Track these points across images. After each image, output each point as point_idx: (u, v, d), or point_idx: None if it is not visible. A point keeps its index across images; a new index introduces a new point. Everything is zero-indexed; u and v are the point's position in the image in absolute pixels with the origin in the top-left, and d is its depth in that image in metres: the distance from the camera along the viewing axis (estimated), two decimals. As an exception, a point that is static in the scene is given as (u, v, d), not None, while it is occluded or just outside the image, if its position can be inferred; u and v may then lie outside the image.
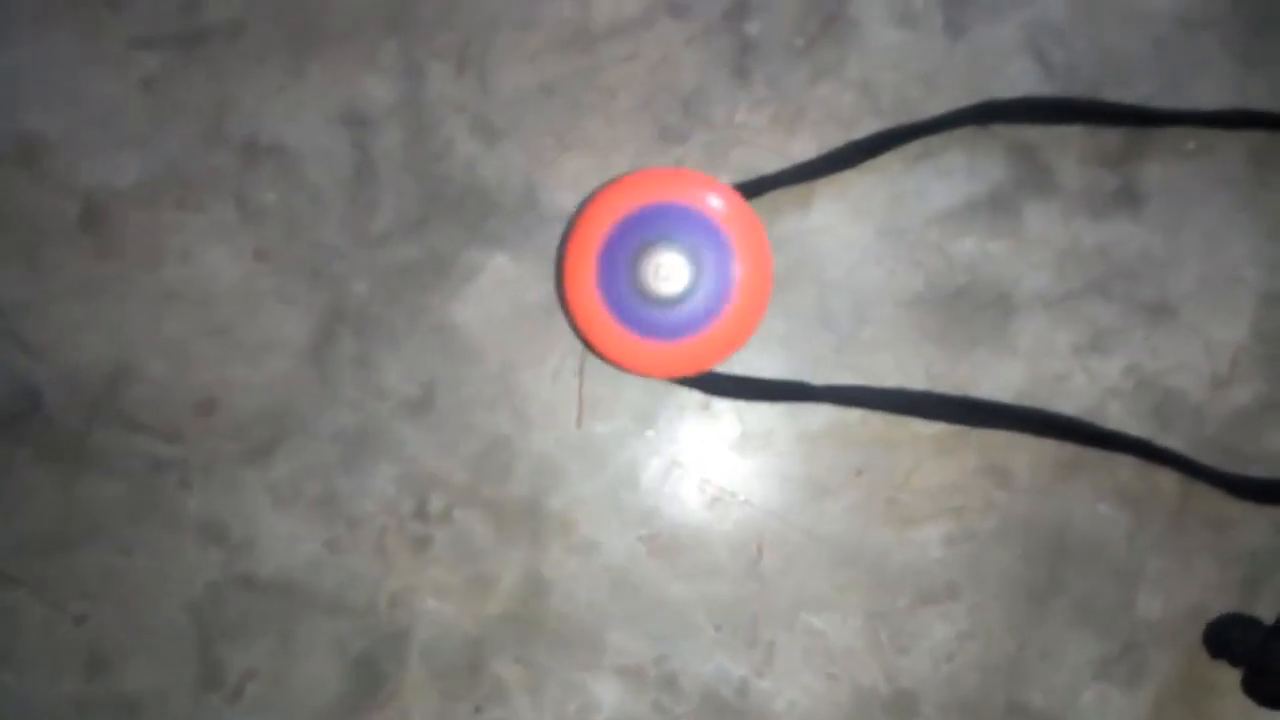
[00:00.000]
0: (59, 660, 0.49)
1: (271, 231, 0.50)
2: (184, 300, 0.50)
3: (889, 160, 0.50)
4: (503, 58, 0.51)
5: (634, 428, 0.50)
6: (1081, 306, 0.50)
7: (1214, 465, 0.49)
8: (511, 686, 0.49)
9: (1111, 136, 0.50)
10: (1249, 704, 0.47)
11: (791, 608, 0.49)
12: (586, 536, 0.49)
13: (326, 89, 0.51)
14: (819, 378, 0.49)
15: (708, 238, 0.43)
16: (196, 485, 0.49)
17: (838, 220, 0.50)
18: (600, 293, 0.43)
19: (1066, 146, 0.50)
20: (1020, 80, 0.50)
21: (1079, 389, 0.50)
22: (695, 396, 0.50)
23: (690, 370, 0.46)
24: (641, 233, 0.43)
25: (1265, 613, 0.48)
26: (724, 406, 0.50)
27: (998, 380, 0.50)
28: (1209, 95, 0.50)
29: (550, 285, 0.50)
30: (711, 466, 0.50)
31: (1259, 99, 0.50)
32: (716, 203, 0.44)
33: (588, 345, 0.46)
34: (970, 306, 0.50)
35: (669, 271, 0.42)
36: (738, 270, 0.43)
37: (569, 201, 0.50)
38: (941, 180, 0.50)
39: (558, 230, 0.50)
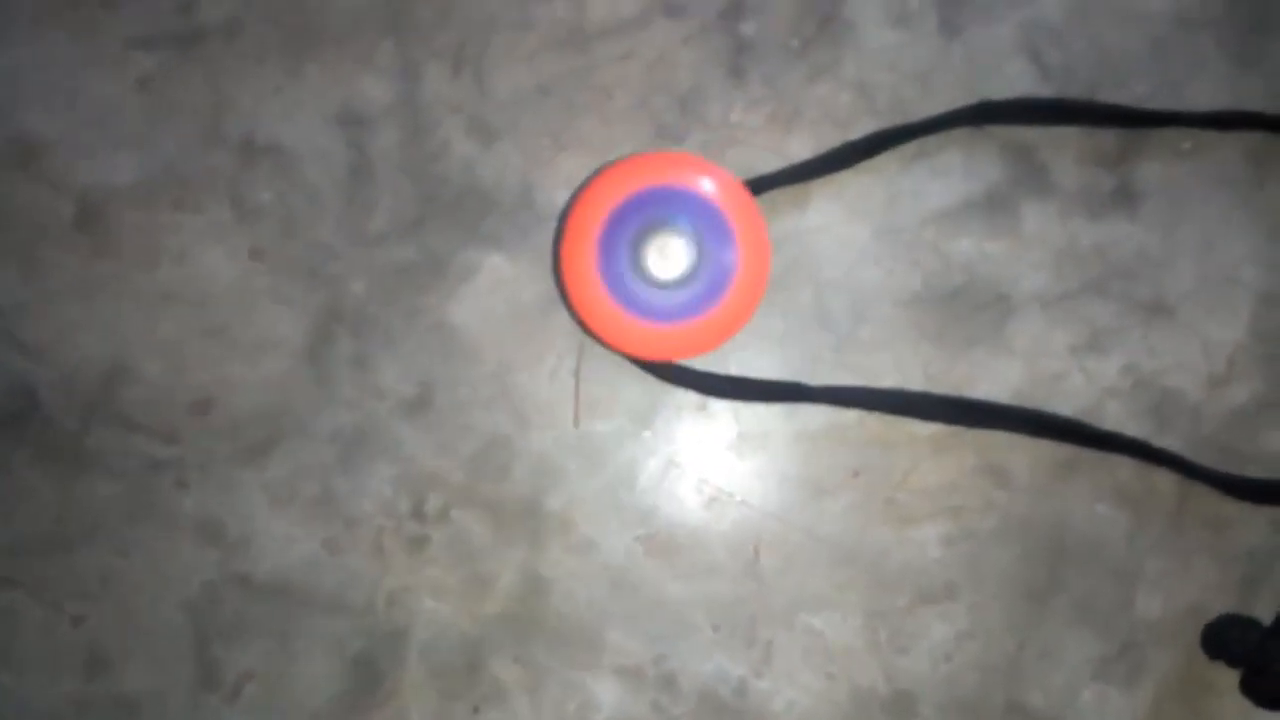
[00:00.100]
0: (57, 661, 0.49)
1: (268, 231, 0.50)
2: (180, 300, 0.50)
3: (885, 160, 0.50)
4: (499, 58, 0.51)
5: (631, 428, 0.50)
6: (1079, 306, 0.50)
7: (1211, 465, 0.49)
8: (510, 686, 0.49)
9: (1108, 136, 0.50)
10: (1247, 704, 0.47)
11: (790, 608, 0.49)
12: (584, 536, 0.49)
13: (323, 89, 0.51)
14: (817, 377, 0.49)
15: (709, 221, 0.43)
16: (193, 485, 0.49)
17: (835, 220, 0.50)
18: (600, 275, 0.43)
19: (1063, 146, 0.50)
20: (1016, 81, 0.51)
21: (1076, 389, 0.50)
22: (692, 397, 0.50)
23: (690, 353, 0.46)
24: (642, 215, 0.43)
25: (1263, 613, 0.48)
26: (721, 407, 0.50)
27: (995, 380, 0.50)
28: (1205, 95, 0.50)
29: (547, 285, 0.50)
30: (709, 467, 0.50)
31: (1255, 99, 0.50)
32: (717, 186, 0.44)
33: (586, 329, 0.46)
34: (968, 306, 0.50)
35: (671, 254, 0.42)
36: (739, 253, 0.43)
37: (565, 201, 0.50)
38: (938, 180, 0.50)
39: (554, 230, 0.50)
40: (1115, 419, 0.49)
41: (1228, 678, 0.47)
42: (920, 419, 0.49)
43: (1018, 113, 0.50)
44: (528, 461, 0.49)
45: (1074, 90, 0.51)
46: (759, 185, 0.49)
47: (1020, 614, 0.49)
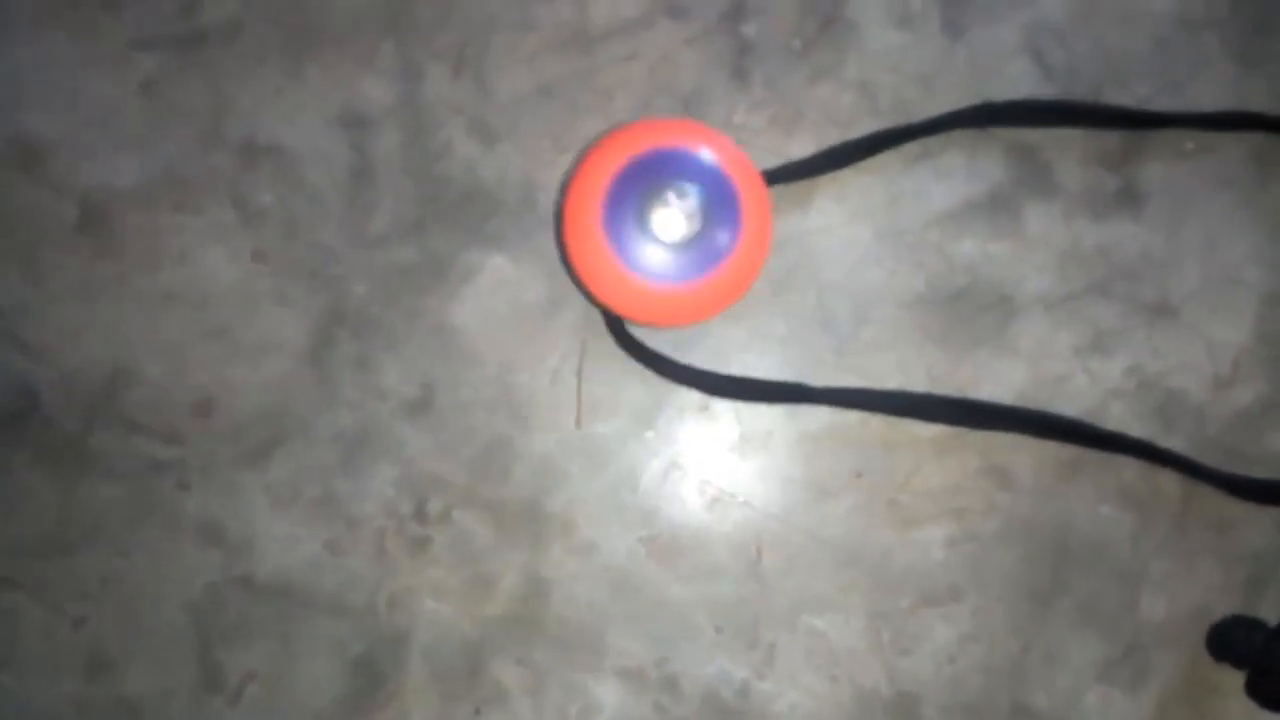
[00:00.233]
0: (59, 662, 0.49)
1: (270, 233, 0.50)
2: (182, 302, 0.50)
3: (888, 161, 0.50)
4: (500, 59, 0.51)
5: (634, 429, 0.50)
6: (1083, 307, 0.50)
7: (1216, 466, 0.48)
8: (512, 688, 0.49)
9: (1111, 137, 0.50)
10: (1252, 706, 0.46)
11: (792, 609, 0.49)
12: (586, 538, 0.49)
13: (324, 90, 0.51)
14: (819, 379, 0.49)
15: (714, 182, 0.42)
16: (195, 486, 0.49)
17: (837, 221, 0.50)
18: (605, 234, 0.42)
19: (1066, 147, 0.50)
20: (1020, 81, 0.50)
21: (1080, 390, 0.49)
22: (694, 397, 0.50)
23: (689, 318, 0.45)
24: (651, 175, 0.42)
25: (1269, 614, 0.48)
26: (723, 408, 0.50)
27: (999, 381, 0.49)
28: (1208, 96, 0.50)
29: (550, 285, 0.50)
30: (711, 468, 0.50)
31: (1258, 99, 0.50)
32: (720, 150, 0.43)
33: (587, 292, 0.45)
34: (971, 307, 0.50)
35: (676, 215, 0.42)
36: (743, 215, 0.42)
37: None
38: (941, 181, 0.50)
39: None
40: (1119, 420, 0.49)
41: (1233, 679, 0.47)
42: (923, 420, 0.49)
43: (1019, 114, 0.50)
44: (529, 463, 0.49)
45: (1077, 90, 0.51)
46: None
47: (1024, 616, 0.49)
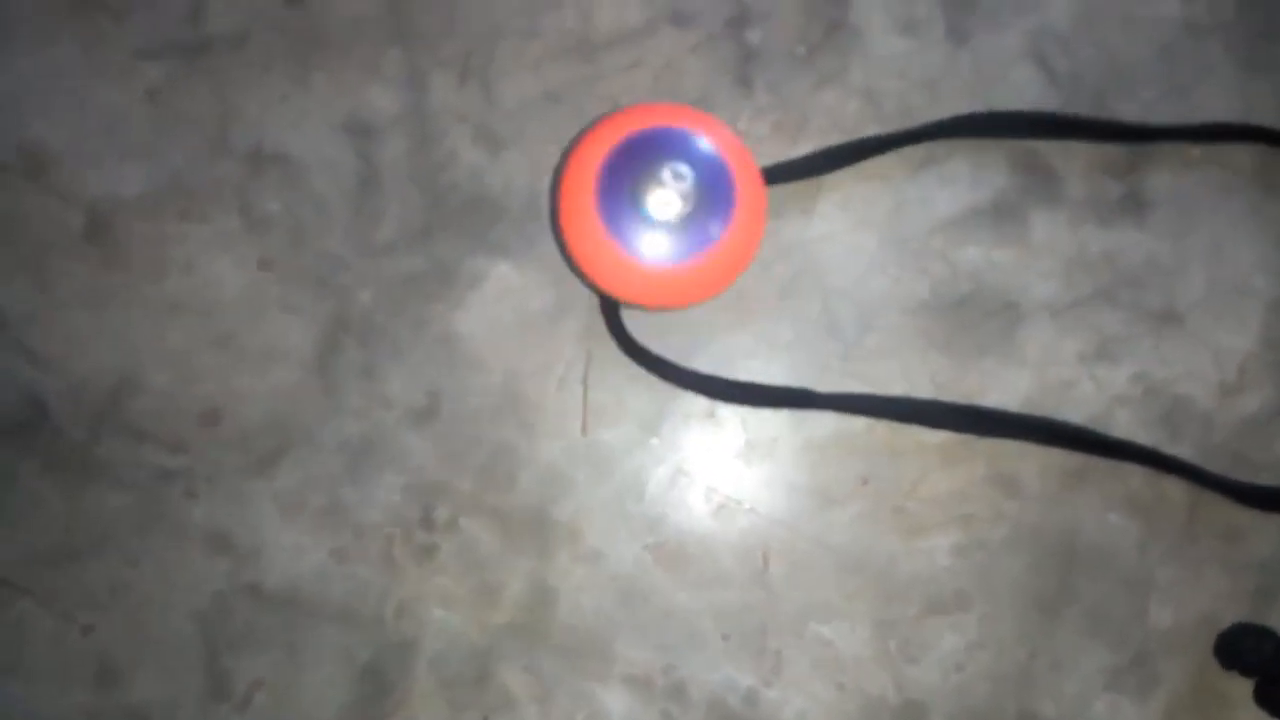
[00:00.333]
0: (68, 671, 0.49)
1: (276, 241, 0.50)
2: (189, 310, 0.50)
3: (892, 168, 0.50)
4: (506, 67, 0.51)
5: (639, 436, 0.50)
6: (1088, 314, 0.50)
7: (1223, 474, 0.48)
8: (519, 696, 0.49)
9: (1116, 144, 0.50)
10: (1261, 714, 0.46)
11: (799, 617, 0.49)
12: (593, 545, 0.49)
13: (330, 98, 0.51)
14: (825, 386, 0.49)
15: (707, 162, 0.42)
16: (202, 495, 0.49)
17: (842, 228, 0.50)
18: (599, 214, 0.42)
19: (1072, 153, 0.50)
20: (1024, 88, 0.50)
21: (1086, 397, 0.49)
22: (700, 404, 0.50)
23: (691, 299, 0.45)
24: (644, 153, 0.42)
25: (1277, 622, 0.48)
26: (728, 414, 0.50)
27: (1005, 388, 0.49)
28: (1214, 101, 0.50)
29: (555, 293, 0.50)
30: (717, 474, 0.50)
31: (1264, 105, 0.50)
32: (713, 131, 0.43)
33: (581, 274, 0.45)
34: (976, 314, 0.50)
35: (673, 193, 0.41)
36: (738, 194, 0.42)
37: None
38: (946, 188, 0.50)
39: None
40: (1126, 427, 0.49)
41: (1241, 688, 0.47)
42: (929, 427, 0.49)
43: (1006, 125, 0.49)
44: (535, 470, 0.49)
45: (1082, 96, 0.51)
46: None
47: (1031, 624, 0.49)
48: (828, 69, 0.51)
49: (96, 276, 0.50)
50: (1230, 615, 0.48)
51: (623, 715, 0.49)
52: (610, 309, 0.49)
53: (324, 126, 0.51)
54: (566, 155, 0.44)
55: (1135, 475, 0.49)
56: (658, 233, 0.42)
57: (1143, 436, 0.49)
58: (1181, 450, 0.49)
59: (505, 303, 0.50)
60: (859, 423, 0.49)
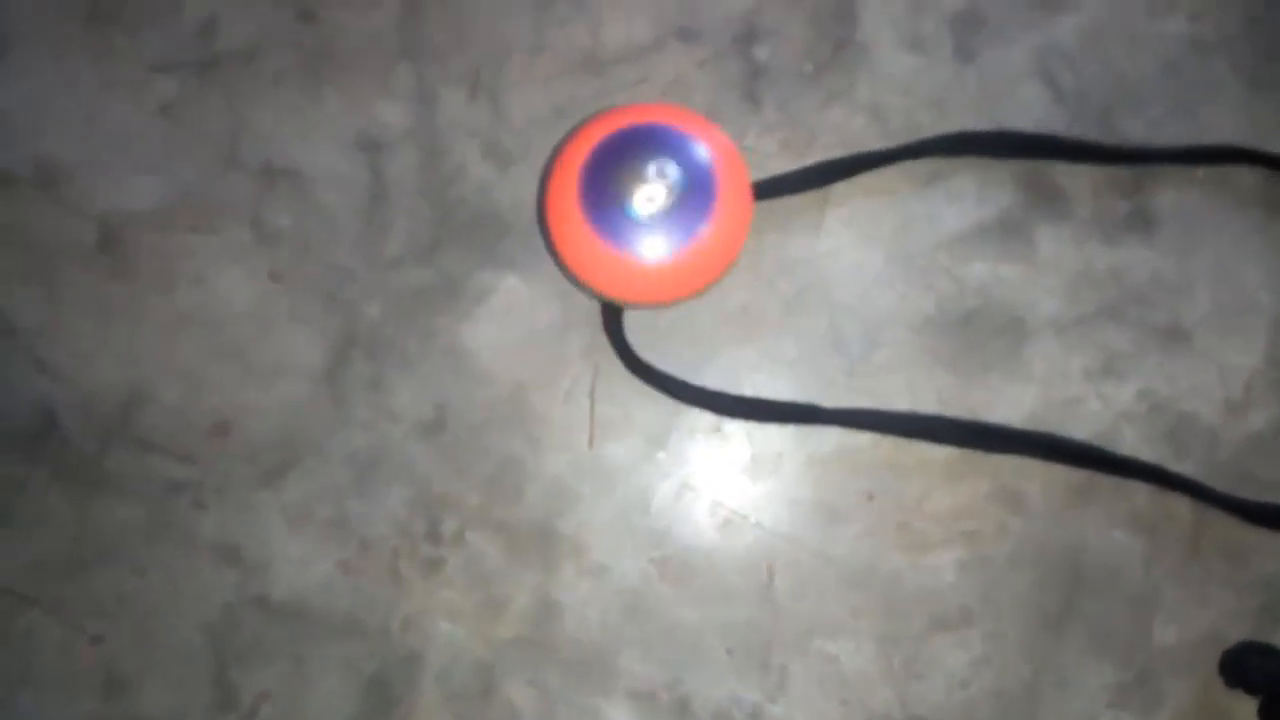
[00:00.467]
0: (76, 681, 0.49)
1: (285, 255, 0.51)
2: (198, 323, 0.50)
3: (898, 183, 0.50)
4: (515, 82, 0.51)
5: (646, 449, 0.50)
6: (1094, 331, 0.50)
7: (1228, 491, 0.48)
8: (524, 710, 0.49)
9: (1123, 160, 0.50)
10: (1266, 733, 0.46)
11: (804, 632, 0.49)
12: (598, 559, 0.49)
13: (341, 113, 0.51)
14: (830, 401, 0.49)
15: (690, 157, 0.42)
16: (211, 507, 0.50)
17: (848, 244, 0.50)
18: (583, 211, 0.42)
19: (1078, 171, 0.50)
20: (1031, 105, 0.51)
21: (1092, 414, 0.49)
22: (706, 419, 0.50)
23: (679, 294, 0.45)
24: (627, 150, 0.42)
25: (1281, 640, 0.48)
26: (734, 429, 0.50)
27: (1010, 404, 0.49)
28: (1219, 118, 0.50)
29: (562, 307, 0.50)
30: (723, 489, 0.50)
31: (1269, 122, 0.50)
32: (697, 128, 0.44)
33: (565, 267, 0.45)
34: (982, 331, 0.50)
35: (658, 187, 0.42)
36: (720, 189, 0.42)
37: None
38: (952, 204, 0.50)
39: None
40: (1131, 444, 0.49)
41: (1246, 706, 0.47)
42: (934, 442, 0.49)
43: (991, 146, 0.50)
44: (542, 484, 0.50)
45: (1088, 114, 0.51)
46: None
47: (1036, 640, 0.49)
48: (835, 86, 0.51)
49: (107, 288, 0.51)
50: (1235, 633, 0.48)
51: (627, 729, 0.49)
52: (614, 326, 0.49)
53: (334, 141, 0.51)
54: (552, 156, 0.45)
55: (1140, 492, 0.49)
56: (642, 227, 0.42)
57: (1148, 453, 0.49)
58: (1187, 467, 0.49)
59: (512, 316, 0.50)
60: (864, 438, 0.49)
